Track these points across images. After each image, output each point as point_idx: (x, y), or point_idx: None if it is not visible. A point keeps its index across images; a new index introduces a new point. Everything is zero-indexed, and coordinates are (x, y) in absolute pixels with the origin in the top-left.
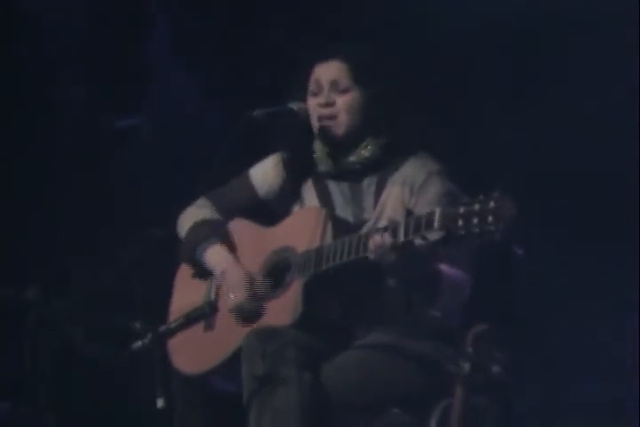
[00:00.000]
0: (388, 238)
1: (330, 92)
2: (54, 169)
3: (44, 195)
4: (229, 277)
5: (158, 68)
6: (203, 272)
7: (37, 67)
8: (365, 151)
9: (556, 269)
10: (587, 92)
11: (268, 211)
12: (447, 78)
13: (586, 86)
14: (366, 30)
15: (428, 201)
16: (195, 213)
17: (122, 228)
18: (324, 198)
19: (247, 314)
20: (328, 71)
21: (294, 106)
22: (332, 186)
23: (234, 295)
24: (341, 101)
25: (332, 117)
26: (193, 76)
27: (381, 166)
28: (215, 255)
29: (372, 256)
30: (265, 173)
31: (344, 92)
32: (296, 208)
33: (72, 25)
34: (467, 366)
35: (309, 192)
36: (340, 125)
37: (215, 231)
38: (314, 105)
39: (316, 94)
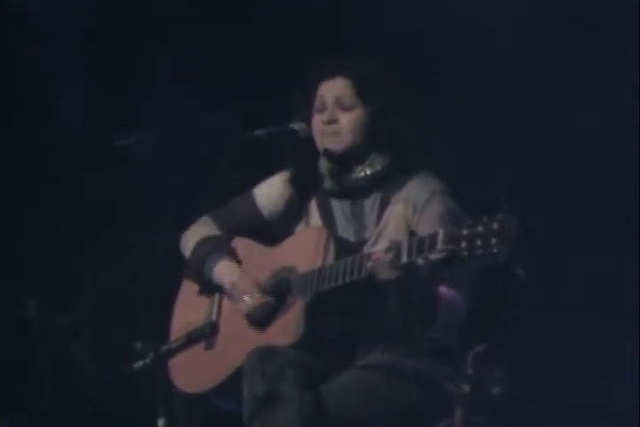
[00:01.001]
0: (390, 259)
1: (334, 110)
2: (55, 184)
3: (45, 204)
4: (242, 285)
5: (158, 71)
6: (210, 288)
7: (37, 68)
8: (369, 169)
9: (556, 269)
10: (587, 92)
11: (271, 230)
12: (448, 89)
13: (586, 86)
14: (365, 44)
15: (431, 220)
16: (198, 232)
17: (123, 238)
18: (327, 217)
19: (260, 319)
20: (333, 88)
21: (296, 126)
22: (335, 204)
23: (250, 299)
24: (345, 119)
25: (336, 135)
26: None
27: (385, 184)
28: (224, 269)
29: (372, 275)
30: (270, 193)
31: (348, 109)
32: (300, 227)
33: (72, 26)
34: (467, 388)
35: (313, 211)
36: (344, 143)
37: (221, 247)
38: (317, 122)
39: (320, 111)
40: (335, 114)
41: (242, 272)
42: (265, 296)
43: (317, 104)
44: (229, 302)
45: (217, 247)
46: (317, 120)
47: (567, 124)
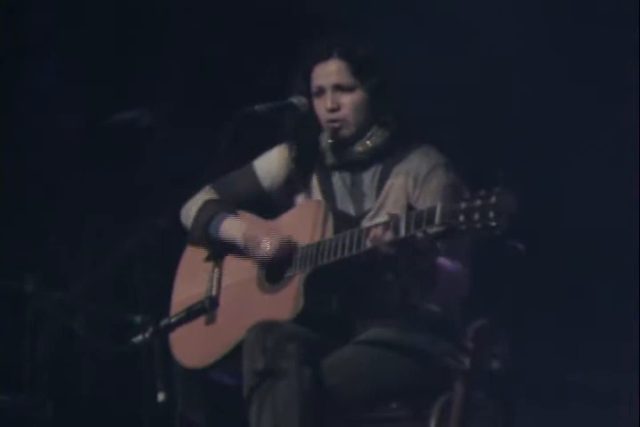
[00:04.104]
0: (388, 233)
1: (334, 95)
2: (52, 161)
3: (43, 185)
4: (255, 231)
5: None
6: (218, 249)
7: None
8: (370, 142)
9: (556, 261)
10: (584, 86)
11: (271, 203)
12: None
13: (584, 79)
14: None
15: (432, 193)
16: (200, 199)
17: (122, 218)
18: (326, 190)
19: (283, 260)
20: (329, 73)
21: (295, 100)
22: (335, 177)
23: (269, 244)
24: (347, 102)
25: (341, 121)
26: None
27: (385, 157)
28: (231, 224)
29: (371, 249)
30: (269, 165)
31: (348, 91)
32: (300, 200)
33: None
34: (466, 362)
35: (314, 184)
36: (349, 125)
37: (225, 207)
38: (320, 108)
39: (319, 96)
40: (336, 99)
41: (250, 223)
42: (282, 237)
43: (314, 88)
44: (236, 265)
45: (221, 208)
46: (319, 105)
47: (566, 117)
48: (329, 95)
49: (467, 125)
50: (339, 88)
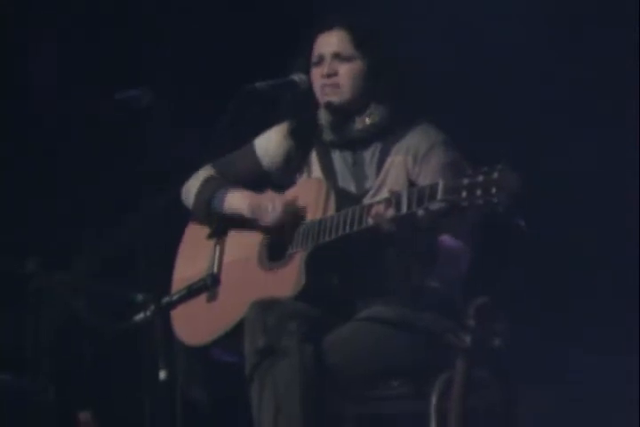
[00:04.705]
0: (390, 210)
1: (332, 62)
2: (53, 140)
3: (43, 166)
4: (260, 201)
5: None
6: (222, 224)
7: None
8: (369, 119)
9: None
10: (584, 86)
11: (272, 182)
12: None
13: (584, 79)
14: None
15: (432, 170)
16: (202, 176)
17: (123, 197)
18: (327, 168)
19: (289, 226)
20: (330, 41)
21: (296, 77)
22: (336, 155)
23: (272, 209)
24: (344, 70)
25: (335, 87)
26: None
27: (385, 135)
28: (234, 198)
29: (373, 226)
30: (269, 143)
31: (347, 60)
32: (300, 178)
33: None
34: (468, 339)
35: (314, 162)
36: (344, 93)
37: (226, 184)
38: (317, 75)
39: (318, 64)
40: (334, 66)
41: (253, 194)
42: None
43: (314, 58)
44: (241, 237)
45: (222, 183)
46: (316, 73)
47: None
48: (327, 62)
49: (466, 126)
50: (338, 56)
